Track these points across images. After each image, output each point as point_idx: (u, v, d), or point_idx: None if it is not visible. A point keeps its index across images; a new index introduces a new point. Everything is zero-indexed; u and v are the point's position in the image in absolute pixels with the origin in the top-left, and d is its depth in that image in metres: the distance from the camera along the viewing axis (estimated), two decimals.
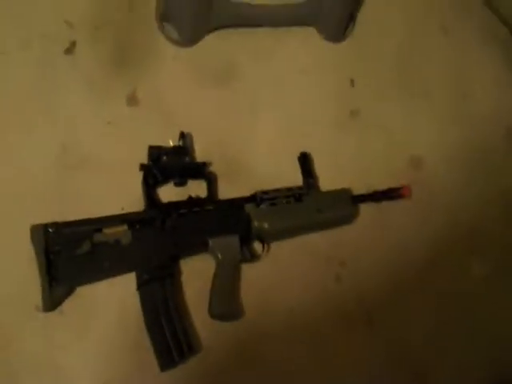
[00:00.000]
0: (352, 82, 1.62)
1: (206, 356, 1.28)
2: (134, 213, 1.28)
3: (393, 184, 1.48)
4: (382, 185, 1.48)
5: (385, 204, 1.47)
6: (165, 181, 1.34)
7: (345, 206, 1.43)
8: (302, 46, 1.63)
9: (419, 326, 1.45)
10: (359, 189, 1.47)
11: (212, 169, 1.41)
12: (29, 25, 1.43)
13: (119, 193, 1.34)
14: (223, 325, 1.29)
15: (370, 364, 1.39)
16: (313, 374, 1.35)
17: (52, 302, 1.19)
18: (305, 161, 1.45)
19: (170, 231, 1.27)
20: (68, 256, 1.19)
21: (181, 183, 1.36)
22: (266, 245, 1.37)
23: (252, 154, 1.48)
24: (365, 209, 1.48)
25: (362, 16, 1.70)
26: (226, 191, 1.41)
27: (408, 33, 1.72)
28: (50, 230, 1.19)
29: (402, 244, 1.50)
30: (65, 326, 1.24)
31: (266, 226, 1.34)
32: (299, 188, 1.41)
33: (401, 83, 1.66)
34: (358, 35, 1.68)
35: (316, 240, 1.43)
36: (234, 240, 1.32)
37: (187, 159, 1.35)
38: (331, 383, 1.36)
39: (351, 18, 1.67)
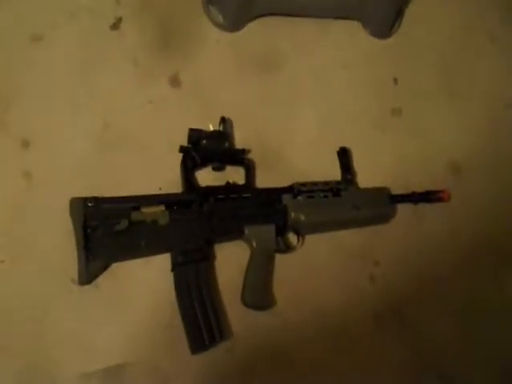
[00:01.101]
0: (395, 80, 1.60)
1: (235, 343, 1.28)
2: (172, 194, 1.28)
3: (429, 186, 1.46)
4: (418, 186, 1.46)
5: (421, 206, 1.46)
6: (203, 164, 1.33)
7: (382, 204, 1.41)
8: (346, 40, 1.61)
9: (449, 330, 1.43)
10: (397, 188, 1.46)
11: (250, 156, 1.40)
12: None
13: (157, 173, 1.33)
14: (254, 313, 1.28)
15: (398, 365, 1.38)
16: (341, 370, 1.34)
17: (88, 276, 1.18)
18: (344, 156, 1.44)
19: (207, 215, 1.26)
20: (105, 232, 1.18)
21: (219, 168, 1.35)
22: (301, 237, 1.36)
23: (291, 145, 1.47)
24: (401, 208, 1.46)
25: (410, 13, 1.68)
26: (262, 180, 1.40)
27: (455, 36, 1.70)
28: (90, 204, 1.18)
29: (436, 247, 1.48)
30: (99, 300, 1.23)
31: (302, 218, 1.33)
32: (337, 183, 1.40)
33: (444, 85, 1.64)
34: (405, 33, 1.66)
35: (351, 238, 1.42)
36: (269, 229, 1.31)
37: (226, 145, 1.33)
38: (359, 381, 1.34)
39: (398, 15, 1.65)
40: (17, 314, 1.20)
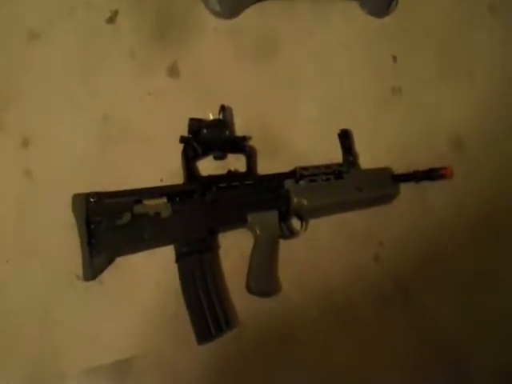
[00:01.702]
0: (394, 58, 1.59)
1: (242, 331, 1.29)
2: (174, 185, 1.29)
3: (432, 163, 1.45)
4: (421, 164, 1.45)
5: (424, 184, 1.45)
6: (204, 154, 1.33)
7: (385, 185, 1.41)
8: (344, 21, 1.60)
9: (456, 308, 1.43)
10: (399, 167, 1.45)
11: (251, 143, 1.40)
12: None
13: (158, 164, 1.34)
14: (260, 300, 1.29)
15: (405, 344, 1.38)
16: (348, 353, 1.35)
17: (92, 272, 1.19)
18: (345, 138, 1.43)
19: (210, 205, 1.27)
20: (108, 226, 1.19)
21: (220, 157, 1.35)
22: (304, 222, 1.36)
23: (292, 130, 1.46)
24: (403, 188, 1.46)
25: None
26: (265, 166, 1.40)
27: (454, 10, 1.68)
28: (92, 199, 1.19)
29: (441, 224, 1.48)
30: (104, 295, 1.25)
31: (305, 202, 1.33)
32: (339, 165, 1.40)
33: (444, 61, 1.62)
34: (402, 10, 1.64)
35: (354, 219, 1.42)
36: (272, 216, 1.31)
37: (227, 133, 1.33)
38: (366, 362, 1.35)
39: None
40: (23, 312, 1.22)
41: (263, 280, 1.29)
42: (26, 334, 1.21)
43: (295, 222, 1.38)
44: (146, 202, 1.24)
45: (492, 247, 1.50)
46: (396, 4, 1.63)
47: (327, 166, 1.39)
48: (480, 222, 1.50)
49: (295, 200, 1.32)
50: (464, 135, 1.56)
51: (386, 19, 1.63)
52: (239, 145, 1.35)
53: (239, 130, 1.41)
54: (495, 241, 1.51)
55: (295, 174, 1.35)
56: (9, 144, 1.30)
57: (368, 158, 1.46)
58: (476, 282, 1.46)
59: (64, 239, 1.22)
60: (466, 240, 1.48)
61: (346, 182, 1.38)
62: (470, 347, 1.42)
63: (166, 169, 1.33)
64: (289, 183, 1.34)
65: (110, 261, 1.24)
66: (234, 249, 1.32)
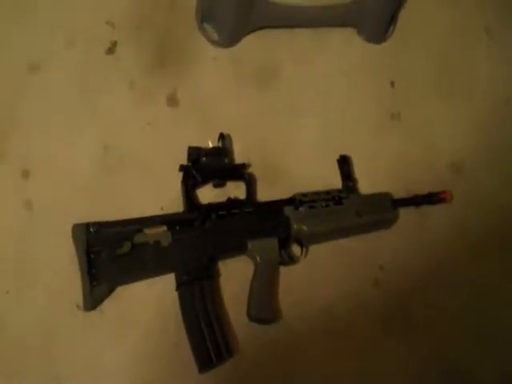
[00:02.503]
0: (392, 84, 1.60)
1: (243, 358, 1.28)
2: (173, 214, 1.29)
3: (432, 188, 1.46)
4: (421, 188, 1.46)
5: (424, 208, 1.45)
6: (204, 182, 1.33)
7: (385, 209, 1.41)
8: (342, 48, 1.61)
9: (458, 332, 1.43)
10: (398, 192, 1.46)
11: (251, 170, 1.41)
12: (73, 25, 1.44)
13: (158, 193, 1.34)
14: (261, 328, 1.28)
15: (408, 369, 1.37)
16: (349, 379, 1.34)
17: (93, 301, 1.19)
18: (344, 164, 1.44)
19: (210, 233, 1.27)
20: (109, 256, 1.20)
21: (220, 184, 1.36)
22: (304, 248, 1.36)
23: (291, 156, 1.47)
24: (404, 212, 1.46)
25: (404, 17, 1.67)
26: (264, 193, 1.40)
27: (451, 34, 1.70)
28: (92, 229, 1.20)
29: (441, 248, 1.48)
30: (104, 324, 1.24)
31: (304, 228, 1.33)
32: (338, 191, 1.40)
33: (442, 86, 1.63)
34: (400, 36, 1.66)
35: (354, 244, 1.42)
36: (272, 243, 1.31)
37: (226, 160, 1.34)
38: None
39: (392, 19, 1.64)
40: (23, 342, 1.21)
41: (264, 307, 1.28)
42: (25, 364, 1.21)
43: (295, 249, 1.38)
44: (146, 231, 1.24)
45: (493, 270, 1.49)
46: (393, 30, 1.65)
47: (327, 192, 1.39)
48: (480, 245, 1.50)
49: (295, 226, 1.33)
50: (463, 158, 1.56)
51: (384, 45, 1.64)
52: (239, 172, 1.36)
53: (238, 157, 1.41)
54: (496, 264, 1.50)
55: (294, 201, 1.35)
56: (9, 175, 1.30)
57: (367, 182, 1.46)
58: (477, 305, 1.45)
59: (64, 269, 1.22)
60: (467, 263, 1.48)
61: (346, 207, 1.38)
62: (472, 371, 1.40)
63: (166, 197, 1.33)
64: (288, 210, 1.34)
65: (111, 290, 1.24)
66: (235, 276, 1.32)
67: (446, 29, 1.70)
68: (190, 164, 1.30)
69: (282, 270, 1.35)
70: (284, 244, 1.34)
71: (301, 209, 1.35)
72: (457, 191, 1.47)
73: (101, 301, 1.22)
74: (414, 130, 1.57)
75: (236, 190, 1.38)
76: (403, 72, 1.62)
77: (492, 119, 1.64)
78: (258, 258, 1.29)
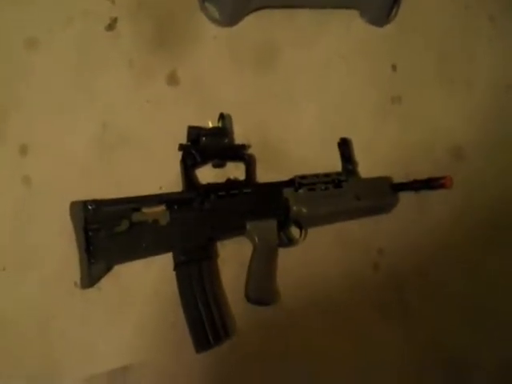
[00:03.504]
0: (394, 67, 1.59)
1: (240, 340, 1.28)
2: (172, 193, 1.28)
3: (432, 173, 1.45)
4: (421, 173, 1.45)
5: (423, 193, 1.46)
6: (203, 162, 1.32)
7: (384, 193, 1.41)
8: (343, 30, 1.60)
9: (455, 316, 1.43)
10: (398, 177, 1.46)
11: (251, 151, 1.40)
12: (73, 1, 1.41)
13: (157, 172, 1.33)
14: (258, 309, 1.28)
15: (404, 353, 1.38)
16: (346, 362, 1.34)
17: (90, 279, 1.19)
18: (345, 147, 1.43)
19: (208, 213, 1.26)
20: (107, 234, 1.19)
21: (219, 165, 1.35)
22: (303, 230, 1.36)
23: (291, 138, 1.46)
24: (403, 197, 1.46)
25: (407, 0, 1.66)
26: (264, 175, 1.40)
27: (454, 20, 1.69)
28: (90, 207, 1.18)
29: (440, 233, 1.48)
30: (102, 302, 1.24)
31: (304, 211, 1.33)
32: (338, 174, 1.40)
33: (443, 71, 1.63)
34: (402, 19, 1.65)
35: (354, 227, 1.42)
36: (271, 224, 1.31)
37: (226, 141, 1.33)
38: (366, 370, 1.34)
39: (396, 1, 1.63)
40: (20, 320, 1.21)
41: (262, 289, 1.28)
42: (23, 342, 1.20)
43: (294, 231, 1.38)
44: (145, 210, 1.23)
45: (491, 255, 1.50)
46: (396, 13, 1.63)
47: (326, 175, 1.39)
48: (479, 231, 1.51)
49: (294, 208, 1.32)
50: (464, 144, 1.57)
51: (386, 28, 1.63)
52: (238, 153, 1.35)
53: (238, 138, 1.41)
54: (495, 249, 1.51)
55: (294, 183, 1.35)
56: (7, 151, 1.28)
57: (367, 166, 1.46)
58: (475, 290, 1.46)
59: (62, 246, 1.21)
60: (466, 248, 1.48)
61: (345, 190, 1.38)
62: (469, 356, 1.41)
63: (165, 177, 1.32)
64: (288, 192, 1.34)
65: (108, 268, 1.23)
66: (233, 257, 1.32)
67: (450, 14, 1.70)
68: (189, 144, 1.30)
69: (281, 251, 1.35)
70: (283, 226, 1.34)
71: (300, 191, 1.35)
72: (457, 177, 1.46)
73: (98, 279, 1.21)
74: (414, 114, 1.56)
75: (235, 170, 1.37)
76: (405, 56, 1.61)
77: (492, 106, 1.64)
78: (256, 239, 1.29)
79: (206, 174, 1.35)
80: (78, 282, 1.18)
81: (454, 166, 1.53)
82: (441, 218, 1.49)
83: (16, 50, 1.35)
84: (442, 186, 1.43)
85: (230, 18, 1.51)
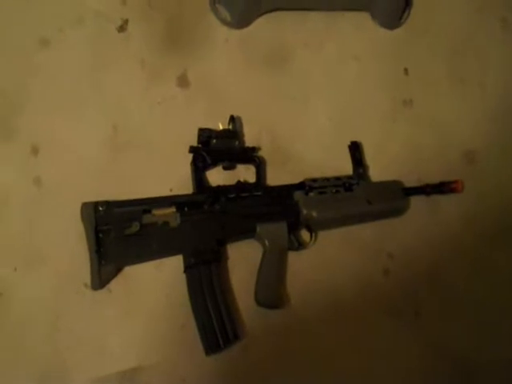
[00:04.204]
0: (406, 70, 1.58)
1: (250, 342, 1.27)
2: (182, 195, 1.28)
3: (444, 177, 1.45)
4: (433, 177, 1.45)
5: (434, 197, 1.44)
6: (214, 164, 1.32)
7: (395, 197, 1.40)
8: (355, 32, 1.59)
9: (468, 321, 1.42)
10: (410, 181, 1.45)
11: (261, 154, 1.40)
12: (84, 1, 1.42)
13: (168, 174, 1.33)
14: (268, 312, 1.28)
15: (413, 356, 1.37)
16: (356, 367, 1.33)
17: (100, 280, 1.19)
18: (355, 150, 1.43)
19: (218, 215, 1.26)
20: (117, 235, 1.19)
21: (230, 167, 1.35)
22: (313, 234, 1.35)
23: (302, 141, 1.46)
24: (414, 201, 1.45)
25: (419, 3, 1.65)
26: (274, 177, 1.39)
27: (465, 22, 1.67)
28: (101, 208, 1.19)
29: (452, 238, 1.47)
30: (112, 304, 1.24)
31: (314, 214, 1.32)
32: (349, 177, 1.39)
33: (455, 74, 1.62)
34: (414, 22, 1.64)
35: (364, 231, 1.41)
36: (281, 227, 1.31)
37: (236, 143, 1.33)
38: (375, 377, 1.33)
39: (407, 4, 1.62)
40: (31, 320, 1.21)
41: (271, 292, 1.28)
42: (33, 342, 1.20)
43: (304, 234, 1.37)
44: (155, 212, 1.23)
45: (503, 259, 1.49)
46: (408, 16, 1.63)
47: (337, 178, 1.38)
48: (490, 235, 1.49)
49: (304, 212, 1.32)
50: (475, 148, 1.55)
51: (398, 31, 1.62)
52: (249, 155, 1.35)
53: (249, 140, 1.40)
54: (506, 253, 1.49)
55: (304, 186, 1.35)
56: (19, 151, 1.29)
57: (378, 170, 1.45)
58: (488, 295, 1.44)
59: (73, 247, 1.21)
60: (477, 253, 1.47)
61: (356, 194, 1.37)
62: (481, 361, 1.39)
63: (175, 178, 1.32)
64: (298, 194, 1.33)
65: (119, 270, 1.23)
66: (243, 260, 1.31)
67: (462, 16, 1.68)
68: (199, 146, 1.30)
69: (291, 255, 1.35)
70: (293, 229, 1.34)
71: (311, 194, 1.34)
72: (468, 181, 1.47)
73: (108, 280, 1.22)
74: (426, 117, 1.55)
75: (246, 173, 1.38)
76: (417, 59, 1.60)
77: (505, 109, 1.62)
78: (266, 242, 1.29)
79: (217, 177, 1.35)
80: (88, 283, 1.18)
81: (465, 170, 1.51)
82: (452, 222, 1.48)
83: (28, 51, 1.36)
84: (453, 191, 1.42)
85: (241, 21, 1.51)
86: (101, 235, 1.18)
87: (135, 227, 1.20)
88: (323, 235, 1.38)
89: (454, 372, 1.38)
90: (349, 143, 1.43)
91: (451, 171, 1.47)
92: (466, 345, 1.40)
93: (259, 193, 1.32)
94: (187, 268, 1.23)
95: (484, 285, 1.46)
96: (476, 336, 1.42)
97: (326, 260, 1.37)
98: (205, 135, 1.29)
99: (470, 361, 1.40)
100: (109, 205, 1.20)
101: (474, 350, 1.41)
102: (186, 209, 1.25)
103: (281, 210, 1.32)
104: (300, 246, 1.34)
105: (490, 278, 1.46)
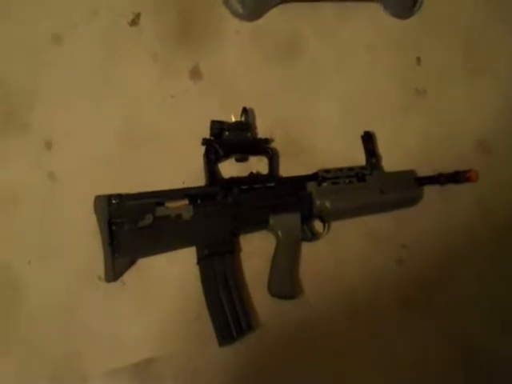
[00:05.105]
0: (418, 60, 1.57)
1: (264, 333, 1.28)
2: (195, 187, 1.29)
3: (458, 166, 1.43)
4: (447, 167, 1.43)
5: (449, 186, 1.43)
6: (226, 156, 1.33)
7: (409, 187, 1.39)
8: (367, 22, 1.58)
9: (481, 311, 1.41)
10: (423, 170, 1.44)
11: (273, 145, 1.40)
12: None
13: (181, 166, 1.34)
14: (281, 303, 1.28)
15: (430, 348, 1.36)
16: (370, 356, 1.33)
17: (114, 273, 1.20)
18: (368, 140, 1.42)
19: (232, 207, 1.27)
20: (130, 228, 1.20)
21: (242, 159, 1.35)
22: (326, 224, 1.35)
23: (314, 132, 1.45)
24: (428, 190, 1.44)
25: None
26: (287, 169, 1.39)
27: (479, 11, 1.65)
28: (114, 201, 1.20)
29: (465, 228, 1.45)
30: (126, 296, 1.26)
31: (327, 205, 1.32)
32: (362, 168, 1.39)
33: (469, 63, 1.60)
34: (426, 12, 1.62)
35: (378, 222, 1.40)
36: (295, 218, 1.31)
37: (249, 135, 1.33)
38: (387, 364, 1.33)
39: None
40: (46, 312, 1.23)
41: (285, 282, 1.28)
42: (48, 334, 1.22)
43: (317, 225, 1.37)
44: (168, 204, 1.24)
45: None
46: (420, 5, 1.61)
47: (350, 169, 1.38)
48: (505, 226, 1.47)
49: (318, 202, 1.32)
50: (490, 137, 1.53)
51: (410, 20, 1.60)
52: (261, 147, 1.35)
53: (261, 132, 1.41)
54: None
55: (317, 177, 1.34)
56: (33, 145, 1.31)
57: (391, 160, 1.44)
58: (501, 285, 1.43)
59: (86, 241, 1.22)
60: (491, 243, 1.45)
61: (369, 184, 1.36)
62: (495, 350, 1.38)
63: (188, 171, 1.33)
64: (311, 186, 1.33)
65: (132, 262, 1.25)
66: (256, 251, 1.32)
67: (474, 5, 1.66)
68: (212, 138, 1.30)
69: (304, 245, 1.35)
70: (306, 220, 1.34)
71: (324, 185, 1.34)
72: (483, 170, 1.44)
73: (122, 272, 1.23)
74: (439, 107, 1.54)
75: (258, 164, 1.38)
76: (430, 48, 1.58)
77: None
78: (279, 233, 1.29)
79: (229, 169, 1.35)
80: (102, 275, 1.20)
81: (480, 160, 1.49)
82: (466, 212, 1.46)
83: (41, 44, 1.38)
84: (468, 180, 1.41)
85: (253, 13, 1.50)
86: (114, 228, 1.19)
87: (148, 220, 1.20)
88: (336, 226, 1.38)
89: (467, 362, 1.37)
90: (362, 133, 1.42)
91: (465, 161, 1.45)
92: (479, 336, 1.39)
93: (272, 184, 1.32)
94: (200, 259, 1.23)
95: (500, 276, 1.44)
96: (490, 327, 1.40)
97: (339, 250, 1.37)
98: (217, 127, 1.29)
99: (484, 351, 1.38)
100: (122, 198, 1.21)
101: (488, 341, 1.39)
102: (198, 201, 1.25)
103: (294, 201, 1.32)
104: (313, 236, 1.34)
105: (505, 267, 1.45)
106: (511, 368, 1.39)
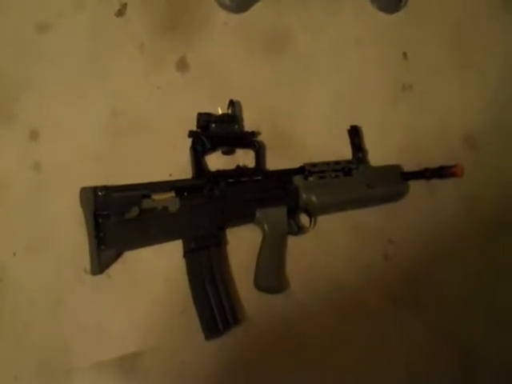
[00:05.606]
0: (405, 55, 1.57)
1: (249, 326, 1.28)
2: (182, 180, 1.28)
3: (444, 162, 1.44)
4: (433, 162, 1.44)
5: (434, 182, 1.44)
6: (213, 148, 1.32)
7: (395, 182, 1.40)
8: (354, 17, 1.58)
9: (467, 305, 1.41)
10: (409, 165, 1.44)
11: (260, 139, 1.39)
12: None
13: (167, 159, 1.34)
14: (267, 296, 1.28)
15: (415, 342, 1.36)
16: (356, 351, 1.33)
17: (100, 266, 1.19)
18: (355, 134, 1.42)
19: (218, 200, 1.27)
20: (116, 220, 1.19)
21: (229, 152, 1.35)
22: (313, 218, 1.35)
23: (301, 125, 1.45)
24: (414, 185, 1.44)
25: None
26: (273, 162, 1.39)
27: (466, 6, 1.65)
28: (100, 193, 1.19)
29: (451, 222, 1.46)
30: (112, 289, 1.25)
31: (313, 198, 1.32)
32: (348, 162, 1.39)
33: (455, 58, 1.60)
34: (413, 6, 1.62)
35: (364, 216, 1.41)
36: (281, 212, 1.31)
37: (236, 128, 1.33)
38: (374, 360, 1.33)
39: None
40: (31, 304, 1.22)
41: (271, 276, 1.28)
42: (33, 327, 1.22)
43: (304, 219, 1.37)
44: (155, 197, 1.23)
45: (503, 245, 1.48)
46: (406, 0, 1.61)
47: (336, 163, 1.38)
48: (491, 221, 1.48)
49: (304, 196, 1.32)
50: (476, 133, 1.54)
51: (397, 15, 1.61)
52: (248, 140, 1.35)
53: (248, 124, 1.40)
54: (507, 239, 1.48)
55: (304, 170, 1.34)
56: (18, 136, 1.30)
57: (378, 154, 1.45)
58: (487, 279, 1.44)
59: (72, 232, 1.22)
60: (477, 238, 1.46)
61: (355, 178, 1.37)
62: (481, 345, 1.39)
63: (175, 163, 1.32)
64: (298, 179, 1.33)
65: (118, 255, 1.24)
66: (242, 244, 1.31)
67: (462, 0, 1.66)
68: (199, 130, 1.30)
69: (290, 239, 1.35)
70: (293, 213, 1.34)
71: (310, 179, 1.34)
72: (468, 166, 1.45)
73: (108, 265, 1.22)
74: (426, 102, 1.54)
75: (245, 157, 1.37)
76: (416, 43, 1.59)
77: (506, 94, 1.60)
78: (265, 227, 1.29)
79: (216, 161, 1.35)
80: (88, 268, 1.18)
81: (466, 155, 1.50)
82: (452, 207, 1.47)
83: (28, 35, 1.37)
84: (453, 175, 1.42)
85: (241, 4, 1.50)
86: (100, 220, 1.18)
87: (134, 212, 1.20)
88: (323, 220, 1.38)
89: (456, 357, 1.38)
90: (348, 127, 1.42)
91: (451, 156, 1.46)
92: (468, 330, 1.40)
93: (259, 177, 1.32)
94: (187, 253, 1.23)
95: (485, 269, 1.45)
96: (479, 322, 1.41)
97: (325, 245, 1.37)
98: (204, 119, 1.29)
99: (473, 346, 1.39)
100: (108, 190, 1.20)
101: (477, 335, 1.40)
102: (185, 193, 1.25)
103: (280, 194, 1.32)
104: (299, 230, 1.34)
105: (491, 263, 1.45)
106: (501, 365, 1.39)
